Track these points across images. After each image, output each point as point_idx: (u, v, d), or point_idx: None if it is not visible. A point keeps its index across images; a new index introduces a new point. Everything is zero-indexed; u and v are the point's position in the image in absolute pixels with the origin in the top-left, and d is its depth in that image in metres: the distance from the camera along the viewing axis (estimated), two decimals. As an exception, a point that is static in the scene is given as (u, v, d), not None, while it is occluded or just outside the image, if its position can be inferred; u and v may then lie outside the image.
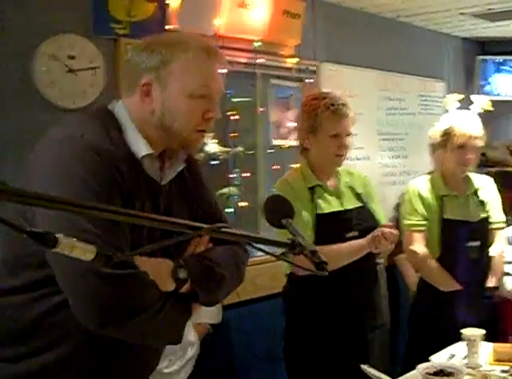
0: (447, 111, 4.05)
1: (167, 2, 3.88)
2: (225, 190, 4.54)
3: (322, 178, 3.47)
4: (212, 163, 4.60)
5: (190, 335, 3.32)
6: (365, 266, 3.46)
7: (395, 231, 3.30)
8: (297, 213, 3.23)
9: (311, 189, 3.42)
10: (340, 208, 3.44)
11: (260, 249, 2.00)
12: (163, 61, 2.02)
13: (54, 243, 1.25)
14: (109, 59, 3.70)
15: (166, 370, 3.17)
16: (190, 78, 2.04)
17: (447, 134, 3.87)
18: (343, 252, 3.31)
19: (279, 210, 2.05)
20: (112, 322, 1.84)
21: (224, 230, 1.71)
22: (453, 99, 4.06)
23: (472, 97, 4.15)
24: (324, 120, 3.36)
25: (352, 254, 3.33)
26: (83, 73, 3.59)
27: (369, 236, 3.30)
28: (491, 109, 4.12)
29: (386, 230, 3.27)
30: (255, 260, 4.19)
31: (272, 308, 3.74)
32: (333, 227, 3.38)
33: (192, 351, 3.33)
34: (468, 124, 3.85)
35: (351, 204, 3.49)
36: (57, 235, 1.25)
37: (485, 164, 5.52)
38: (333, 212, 3.41)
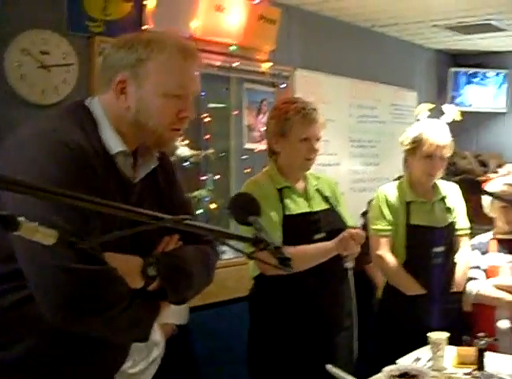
0: (418, 120, 4.10)
1: (143, 3, 3.88)
2: (196, 193, 4.56)
3: (291, 180, 3.49)
4: (184, 165, 4.62)
5: (156, 335, 3.30)
6: (333, 269, 3.46)
7: (362, 233, 3.34)
8: (265, 214, 3.31)
9: (280, 190, 3.43)
10: (308, 210, 3.45)
11: (232, 247, 2.03)
12: (139, 59, 2.03)
13: (16, 226, 1.26)
14: (83, 57, 3.71)
15: (130, 370, 3.14)
16: (165, 77, 2.04)
17: (416, 142, 3.92)
18: (310, 253, 3.33)
19: (246, 207, 2.07)
20: (79, 318, 1.83)
21: (187, 222, 1.72)
22: (425, 108, 4.11)
23: (444, 107, 4.21)
24: (294, 124, 3.38)
25: (319, 256, 3.34)
26: (56, 70, 3.59)
27: (337, 238, 3.31)
28: (460, 118, 4.17)
29: (354, 231, 3.30)
30: (222, 263, 4.20)
31: (239, 311, 3.74)
32: (300, 228, 3.39)
33: (157, 352, 3.31)
34: (437, 134, 3.90)
35: (319, 206, 3.50)
36: (19, 219, 1.26)
37: (455, 173, 5.57)
38: (301, 214, 3.42)
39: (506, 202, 3.87)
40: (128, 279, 1.92)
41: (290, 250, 3.24)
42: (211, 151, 4.72)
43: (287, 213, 3.38)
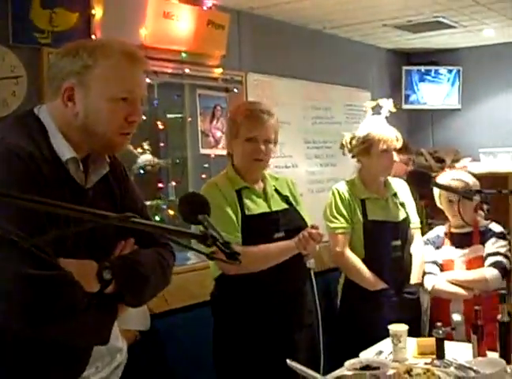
0: (373, 114, 4.18)
1: (91, 12, 3.88)
2: (154, 202, 4.57)
3: (249, 181, 3.52)
4: (142, 173, 4.62)
5: (118, 341, 3.28)
6: (294, 268, 3.49)
7: (321, 232, 3.39)
8: (225, 214, 3.36)
9: (238, 191, 3.47)
10: (268, 210, 3.49)
11: (191, 248, 2.05)
12: (85, 66, 2.05)
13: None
14: (32, 68, 3.69)
15: (93, 377, 3.13)
16: (112, 83, 2.07)
17: (368, 141, 3.99)
18: (271, 252, 3.36)
19: (195, 206, 2.09)
20: (36, 323, 1.84)
21: (133, 220, 1.73)
22: (370, 105, 4.19)
23: (381, 101, 4.27)
24: (241, 125, 3.45)
25: (279, 254, 3.37)
26: (4, 82, 3.57)
27: (297, 237, 3.35)
28: (394, 110, 4.24)
29: (313, 230, 3.34)
30: (185, 268, 4.22)
31: (203, 315, 3.73)
32: (260, 227, 3.42)
33: (120, 358, 3.29)
34: (384, 129, 4.00)
35: (278, 206, 3.54)
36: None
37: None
38: (261, 213, 3.45)
39: (455, 193, 3.92)
40: (83, 283, 1.93)
41: (252, 249, 3.34)
42: (169, 159, 4.74)
43: (247, 213, 3.42)
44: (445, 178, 4.15)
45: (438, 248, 4.16)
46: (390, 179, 4.18)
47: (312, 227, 3.40)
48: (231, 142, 3.54)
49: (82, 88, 2.05)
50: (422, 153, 6.36)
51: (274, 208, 3.51)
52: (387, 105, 4.22)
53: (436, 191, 4.22)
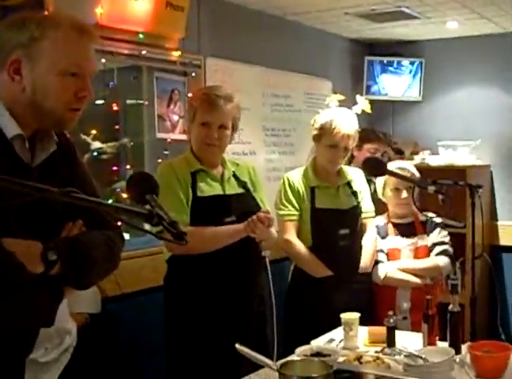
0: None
1: (44, -12, 3.78)
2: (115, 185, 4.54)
3: (206, 165, 3.54)
4: (98, 158, 4.57)
5: (68, 323, 3.25)
6: (248, 255, 3.52)
7: (271, 216, 3.38)
8: (175, 195, 3.36)
9: (194, 173, 3.48)
10: (221, 193, 3.50)
11: (138, 228, 2.01)
12: (32, 38, 1.99)
13: None
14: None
15: (42, 359, 3.08)
16: (60, 56, 2.01)
17: (322, 129, 3.97)
18: (219, 233, 3.38)
19: (142, 186, 2.08)
20: None
21: (75, 195, 1.70)
22: (335, 99, 4.15)
23: (358, 97, 4.24)
24: (197, 109, 3.49)
25: (228, 237, 3.39)
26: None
27: (246, 221, 3.36)
28: (370, 112, 4.22)
29: (262, 214, 3.34)
30: (137, 253, 4.18)
31: (156, 301, 3.71)
32: (211, 210, 3.44)
33: (70, 340, 3.26)
34: (344, 124, 3.96)
35: (233, 190, 3.56)
36: None
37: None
38: (213, 196, 3.47)
39: (410, 182, 3.94)
40: (27, 264, 1.89)
41: (199, 230, 3.34)
42: (125, 140, 4.68)
43: (198, 195, 3.42)
44: (390, 167, 4.16)
45: (383, 238, 4.20)
46: (346, 167, 4.17)
47: (263, 211, 3.41)
48: (189, 125, 3.58)
49: (29, 61, 2.00)
50: (381, 144, 6.36)
51: (228, 192, 3.51)
52: (362, 103, 4.18)
53: (380, 181, 4.26)
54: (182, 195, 3.39)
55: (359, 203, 4.12)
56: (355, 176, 4.16)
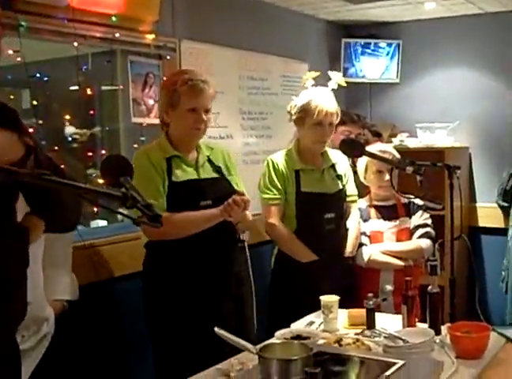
0: (306, 88, 4.11)
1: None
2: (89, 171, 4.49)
3: (182, 150, 3.55)
4: (73, 143, 4.53)
5: (45, 311, 3.21)
6: (226, 239, 3.55)
7: (246, 198, 3.38)
8: (151, 181, 3.37)
9: (169, 159, 3.49)
10: (196, 177, 3.50)
11: (118, 212, 1.98)
12: None
13: None
14: None
15: (20, 347, 3.04)
16: None
17: (304, 111, 3.95)
18: (196, 218, 3.39)
19: (116, 169, 2.07)
20: None
21: (46, 177, 1.68)
22: (311, 76, 4.12)
23: (331, 73, 4.21)
24: (182, 95, 3.47)
25: (204, 221, 3.40)
26: None
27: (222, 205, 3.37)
28: (345, 84, 4.19)
29: (238, 197, 3.35)
30: (115, 239, 4.14)
31: (134, 287, 3.69)
32: (186, 194, 3.44)
33: (47, 328, 3.22)
34: (325, 101, 3.97)
35: (208, 174, 3.58)
36: None
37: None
38: (188, 180, 3.48)
39: (388, 163, 3.93)
40: (10, 150, 1.88)
41: (176, 215, 3.34)
42: (98, 128, 4.64)
43: (174, 180, 3.43)
44: (372, 149, 4.15)
45: (365, 221, 4.20)
46: (330, 150, 4.14)
47: (238, 193, 3.42)
48: (169, 111, 3.54)
49: None
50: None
51: (203, 177, 3.52)
52: (336, 77, 4.15)
53: (362, 164, 4.25)
54: (158, 181, 3.40)
55: (343, 186, 4.11)
56: (339, 159, 4.15)
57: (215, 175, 3.59)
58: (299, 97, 4.05)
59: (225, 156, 3.73)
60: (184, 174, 3.49)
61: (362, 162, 4.26)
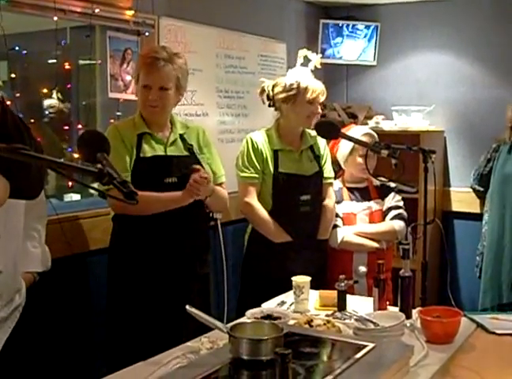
0: (295, 65, 4.16)
1: None
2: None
3: (153, 127, 3.56)
4: (50, 116, 4.51)
5: (17, 282, 3.21)
6: (195, 217, 3.56)
7: (205, 173, 3.44)
8: (119, 155, 3.36)
9: (140, 136, 3.50)
10: (163, 154, 3.51)
11: (86, 185, 1.97)
12: None
13: None
14: None
15: (-6, 316, 3.05)
16: None
17: (295, 89, 3.96)
18: (159, 198, 3.39)
19: (93, 144, 2.07)
20: None
21: (23, 152, 1.68)
22: (303, 55, 4.18)
23: (310, 55, 4.24)
24: (140, 71, 3.53)
25: (168, 202, 3.42)
26: None
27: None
28: (319, 67, 4.22)
29: (197, 176, 3.39)
30: (88, 214, 4.13)
31: (106, 261, 3.69)
32: (152, 170, 3.45)
33: (19, 299, 3.22)
34: (314, 81, 4.03)
35: (177, 152, 3.57)
36: None
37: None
38: (154, 156, 3.49)
39: (364, 146, 3.94)
40: None
41: (144, 195, 3.22)
42: (75, 102, 4.62)
43: (141, 156, 3.44)
44: (354, 132, 4.16)
45: (338, 202, 4.22)
46: (308, 132, 4.15)
47: (193, 169, 3.44)
48: (136, 87, 3.62)
49: None
50: (335, 108, 6.34)
51: (170, 154, 3.52)
52: (314, 59, 4.19)
53: (347, 147, 4.25)
54: (125, 156, 3.42)
55: (321, 168, 4.12)
56: (318, 141, 4.17)
57: (185, 153, 3.57)
58: (290, 76, 4.08)
59: (199, 134, 3.72)
60: (151, 150, 3.49)
61: (346, 145, 4.25)
